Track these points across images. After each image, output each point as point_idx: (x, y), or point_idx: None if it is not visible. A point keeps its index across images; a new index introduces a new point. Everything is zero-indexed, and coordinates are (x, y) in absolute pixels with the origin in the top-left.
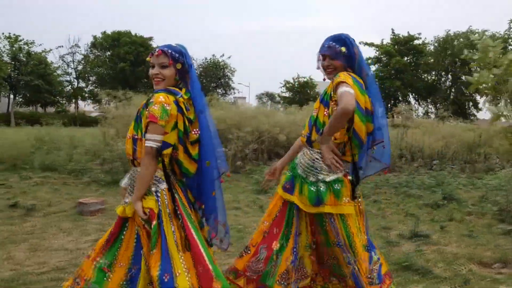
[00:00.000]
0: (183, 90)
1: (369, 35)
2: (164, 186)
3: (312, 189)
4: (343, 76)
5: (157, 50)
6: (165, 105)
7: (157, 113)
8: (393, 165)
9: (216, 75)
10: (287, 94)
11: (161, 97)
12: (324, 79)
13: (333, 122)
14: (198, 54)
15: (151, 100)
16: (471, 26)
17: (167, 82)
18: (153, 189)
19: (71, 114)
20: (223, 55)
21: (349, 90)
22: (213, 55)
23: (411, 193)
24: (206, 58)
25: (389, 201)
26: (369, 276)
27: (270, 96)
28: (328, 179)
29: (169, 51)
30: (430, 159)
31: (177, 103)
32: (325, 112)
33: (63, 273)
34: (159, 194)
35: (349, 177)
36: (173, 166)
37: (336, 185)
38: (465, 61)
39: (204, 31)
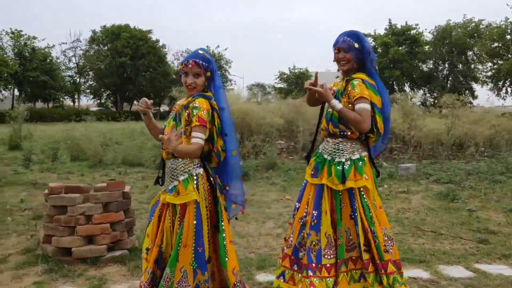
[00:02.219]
0: (209, 92)
1: (367, 26)
2: (201, 170)
3: (338, 168)
4: (359, 88)
5: (190, 61)
6: (209, 110)
7: (206, 117)
8: (447, 154)
9: None
10: (282, 85)
11: (205, 104)
12: (338, 70)
13: (350, 119)
14: (193, 46)
15: (195, 105)
16: (465, 14)
17: (198, 88)
18: (193, 172)
19: (74, 109)
20: (218, 46)
21: (367, 108)
22: (207, 46)
23: (495, 179)
24: None
25: (481, 186)
26: (384, 244)
27: (261, 87)
28: (354, 157)
29: (201, 62)
30: (480, 147)
31: (211, 106)
32: None
33: None
34: (197, 177)
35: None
36: (210, 155)
37: (360, 162)
38: (463, 50)
39: (199, 22)
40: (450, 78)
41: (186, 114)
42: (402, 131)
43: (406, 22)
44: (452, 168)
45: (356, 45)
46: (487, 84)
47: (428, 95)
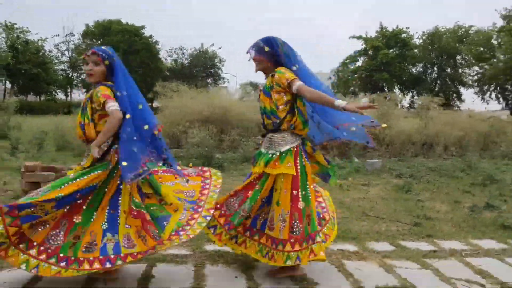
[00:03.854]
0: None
1: (358, 28)
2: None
3: (265, 158)
4: (288, 73)
5: (90, 51)
6: (111, 93)
7: (109, 93)
8: (417, 152)
9: (205, 65)
10: None
11: (106, 89)
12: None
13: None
14: (188, 43)
15: (97, 90)
16: (458, 21)
17: (97, 76)
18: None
19: (67, 103)
20: (212, 45)
21: (303, 84)
22: (202, 44)
23: (453, 175)
24: (195, 48)
25: (438, 181)
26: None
27: (254, 86)
28: (282, 149)
29: (100, 52)
30: (450, 147)
31: (113, 92)
32: (270, 102)
33: None
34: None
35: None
36: None
37: (285, 153)
38: (452, 55)
39: (194, 20)
40: (438, 82)
41: (91, 104)
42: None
43: (397, 25)
44: (416, 165)
45: (266, 49)
46: (473, 88)
47: (416, 97)
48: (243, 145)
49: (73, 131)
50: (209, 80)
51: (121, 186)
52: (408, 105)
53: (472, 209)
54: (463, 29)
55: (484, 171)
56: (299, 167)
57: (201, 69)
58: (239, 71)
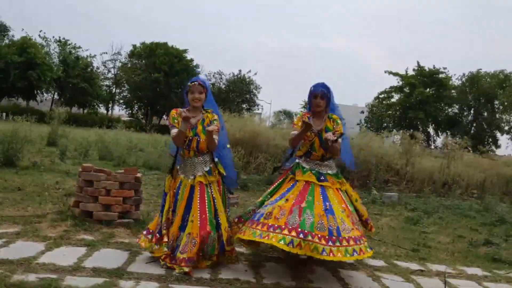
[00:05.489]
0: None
1: (394, 64)
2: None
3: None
4: (341, 126)
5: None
6: None
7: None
8: (437, 191)
9: (242, 90)
10: None
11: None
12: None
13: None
14: (226, 69)
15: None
16: (505, 70)
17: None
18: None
19: (108, 117)
20: (249, 71)
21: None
22: (240, 70)
23: (467, 213)
24: (233, 74)
25: (449, 218)
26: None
27: (288, 114)
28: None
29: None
30: (471, 188)
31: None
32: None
33: None
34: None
35: None
36: None
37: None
38: (490, 99)
39: (234, 45)
40: (474, 125)
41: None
42: (396, 164)
43: (433, 65)
44: (433, 202)
45: (328, 94)
46: (507, 133)
47: (450, 138)
48: (268, 169)
49: (115, 143)
50: (244, 105)
51: None
52: (440, 146)
53: (471, 243)
54: (504, 74)
55: (497, 214)
56: None
57: (237, 94)
58: (275, 98)
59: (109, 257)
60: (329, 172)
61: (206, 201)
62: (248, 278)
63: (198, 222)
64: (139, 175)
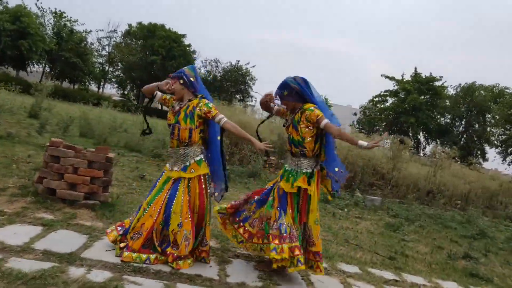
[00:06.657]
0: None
1: (391, 67)
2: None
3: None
4: (318, 111)
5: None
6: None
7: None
8: (420, 198)
9: (237, 81)
10: None
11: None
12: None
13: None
14: (224, 58)
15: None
16: (498, 84)
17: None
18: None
19: (98, 95)
20: (248, 63)
21: (329, 121)
22: (238, 61)
23: (448, 224)
24: (231, 63)
25: (430, 227)
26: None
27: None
28: (308, 170)
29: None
30: (455, 199)
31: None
32: (297, 134)
33: None
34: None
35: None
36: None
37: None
38: (482, 112)
39: (233, 37)
40: (465, 136)
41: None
42: (383, 168)
43: (430, 73)
44: (415, 209)
45: (285, 93)
46: (499, 147)
47: (439, 147)
48: (252, 161)
49: (98, 121)
50: (237, 96)
51: None
52: (429, 154)
53: (450, 255)
54: (499, 89)
55: (478, 227)
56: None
57: (232, 84)
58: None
59: (64, 240)
60: (304, 170)
61: (168, 198)
62: (211, 275)
63: (155, 216)
64: (111, 155)
